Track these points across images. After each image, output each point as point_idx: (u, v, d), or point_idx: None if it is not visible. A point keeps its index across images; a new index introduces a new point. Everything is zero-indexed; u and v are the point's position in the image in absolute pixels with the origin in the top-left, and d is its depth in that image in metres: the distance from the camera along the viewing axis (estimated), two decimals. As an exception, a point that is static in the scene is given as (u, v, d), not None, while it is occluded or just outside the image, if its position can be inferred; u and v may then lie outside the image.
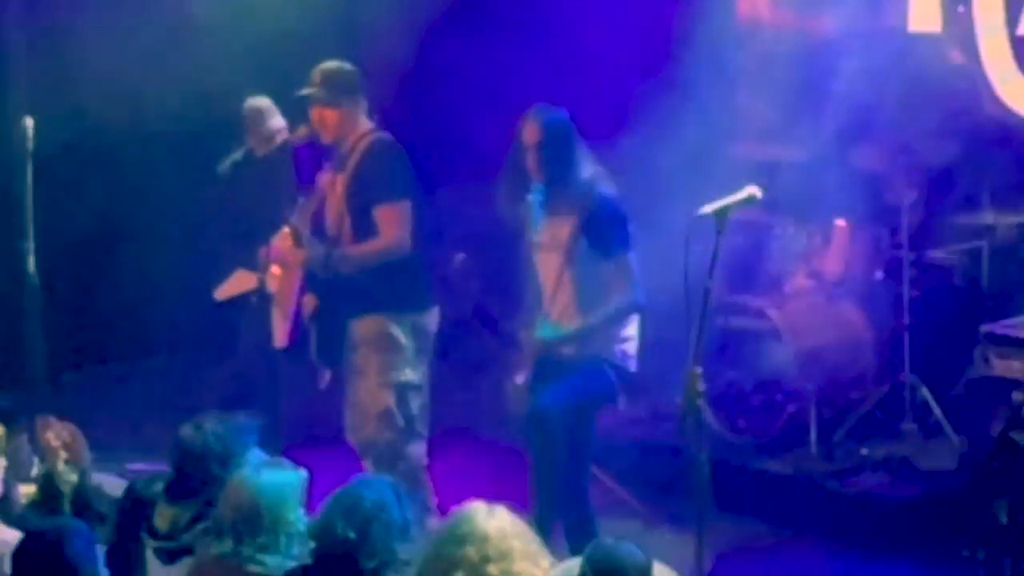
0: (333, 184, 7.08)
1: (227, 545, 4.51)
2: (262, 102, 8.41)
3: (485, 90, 9.63)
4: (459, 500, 4.15)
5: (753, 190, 5.07)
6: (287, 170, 7.91)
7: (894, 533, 7.55)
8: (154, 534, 5.03)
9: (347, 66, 7.09)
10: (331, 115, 6.90)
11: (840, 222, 8.59)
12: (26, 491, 5.77)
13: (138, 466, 6.77)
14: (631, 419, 8.46)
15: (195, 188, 9.34)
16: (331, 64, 7.12)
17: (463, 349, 8.87)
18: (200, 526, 4.83)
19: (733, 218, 5.28)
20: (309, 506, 4.72)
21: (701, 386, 4.87)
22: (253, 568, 4.47)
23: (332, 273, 6.98)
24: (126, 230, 10.30)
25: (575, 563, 4.22)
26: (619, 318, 6.58)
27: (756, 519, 7.72)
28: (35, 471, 5.91)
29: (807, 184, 8.58)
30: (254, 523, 4.51)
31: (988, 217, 8.21)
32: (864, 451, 8.10)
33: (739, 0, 10.27)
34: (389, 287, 6.92)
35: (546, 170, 6.49)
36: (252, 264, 7.64)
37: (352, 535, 4.33)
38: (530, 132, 6.51)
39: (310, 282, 7.06)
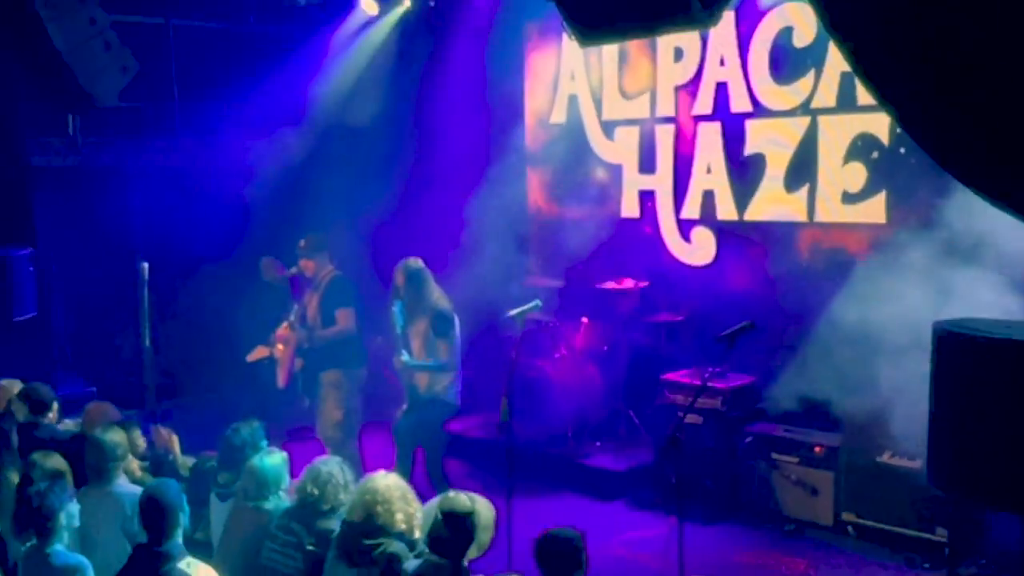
0: (312, 299, 9.97)
1: (249, 496, 6.61)
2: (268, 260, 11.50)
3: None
4: (373, 469, 6.39)
5: (537, 302, 8.50)
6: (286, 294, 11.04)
7: (615, 489, 10.37)
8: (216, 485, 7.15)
9: (319, 235, 10.04)
10: (310, 264, 9.95)
11: (584, 319, 11.30)
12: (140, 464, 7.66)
13: (207, 452, 7.94)
14: (473, 426, 11.42)
15: (239, 298, 11.85)
16: (311, 236, 10.04)
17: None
18: (237, 484, 6.89)
19: (528, 317, 8.39)
20: (293, 474, 6.74)
21: (508, 407, 7.90)
22: (261, 506, 6.55)
23: (312, 345, 9.96)
24: (207, 321, 12.87)
25: (435, 503, 5.85)
26: (441, 368, 9.19)
27: (540, 482, 10.31)
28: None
29: (566, 299, 11.64)
30: (261, 484, 6.60)
31: (663, 316, 11.01)
32: (597, 444, 11.02)
33: (529, 194, 12.96)
34: (341, 354, 9.87)
35: (407, 298, 9.37)
36: (266, 341, 10.69)
37: (316, 491, 6.25)
38: (399, 277, 9.42)
39: (299, 351, 10.06)
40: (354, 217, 12.62)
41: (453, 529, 5.54)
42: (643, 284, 11.33)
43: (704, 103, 11.25)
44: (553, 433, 11.00)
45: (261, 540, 6.35)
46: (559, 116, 12.73)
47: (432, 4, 13.12)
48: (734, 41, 10.86)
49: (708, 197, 11.28)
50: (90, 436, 7.04)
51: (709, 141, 11.22)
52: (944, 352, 4.91)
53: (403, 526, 5.92)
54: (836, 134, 10.17)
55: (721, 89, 11.06)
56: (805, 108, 10.37)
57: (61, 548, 5.95)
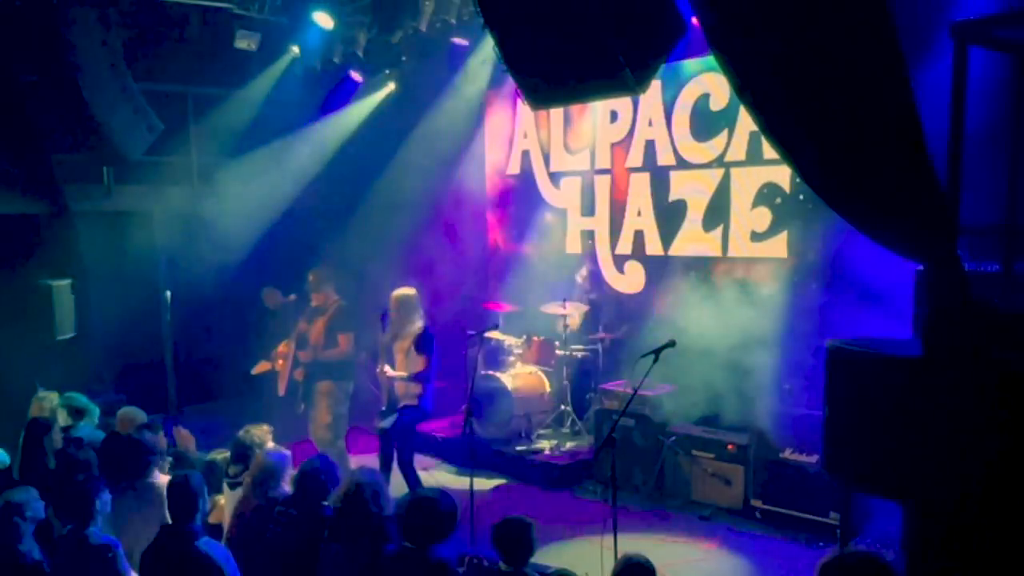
0: (318, 322, 9.78)
1: (257, 485, 6.48)
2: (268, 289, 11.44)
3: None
4: (358, 464, 7.23)
5: (496, 324, 9.17)
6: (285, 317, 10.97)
7: (560, 480, 10.25)
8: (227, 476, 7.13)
9: (327, 269, 9.92)
10: (320, 295, 9.79)
11: (536, 337, 11.43)
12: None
13: (218, 449, 7.87)
14: (441, 427, 11.24)
15: (245, 321, 12.01)
16: (320, 270, 9.91)
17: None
18: (245, 475, 6.75)
19: (489, 336, 9.38)
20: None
21: (470, 411, 8.11)
22: (266, 494, 6.38)
23: (315, 361, 9.75)
24: (219, 340, 12.95)
25: (406, 496, 5.89)
26: (417, 379, 9.01)
27: (499, 473, 10.44)
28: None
29: (520, 321, 11.64)
30: (268, 475, 6.50)
31: (601, 335, 11.06)
32: (547, 442, 10.90)
33: (488, 233, 12.92)
34: (334, 369, 9.72)
35: (397, 318, 9.19)
36: (267, 357, 10.56)
37: (309, 483, 6.20)
38: (393, 301, 9.25)
39: (304, 366, 9.85)
40: (344, 253, 12.46)
41: (419, 517, 5.51)
42: (584, 308, 11.33)
43: (635, 157, 11.33)
44: (509, 433, 10.92)
45: (265, 523, 6.32)
46: (514, 168, 12.80)
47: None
48: (660, 105, 10.96)
49: (639, 236, 11.36)
50: (133, 437, 7.03)
51: (639, 189, 11.30)
52: (835, 365, 4.93)
53: (377, 512, 5.88)
54: (745, 183, 10.23)
55: (650, 145, 11.15)
56: (720, 161, 10.44)
57: (96, 530, 5.91)
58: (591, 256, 11.87)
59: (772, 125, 4.63)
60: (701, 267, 10.67)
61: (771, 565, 8.14)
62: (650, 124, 11.11)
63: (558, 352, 11.31)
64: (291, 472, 6.59)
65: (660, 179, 11.07)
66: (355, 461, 9.89)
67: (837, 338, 5.08)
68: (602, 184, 11.75)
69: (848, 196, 4.60)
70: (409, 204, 13.07)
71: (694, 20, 4.88)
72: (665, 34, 5.29)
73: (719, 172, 10.46)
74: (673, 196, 10.94)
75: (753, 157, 10.09)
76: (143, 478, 6.71)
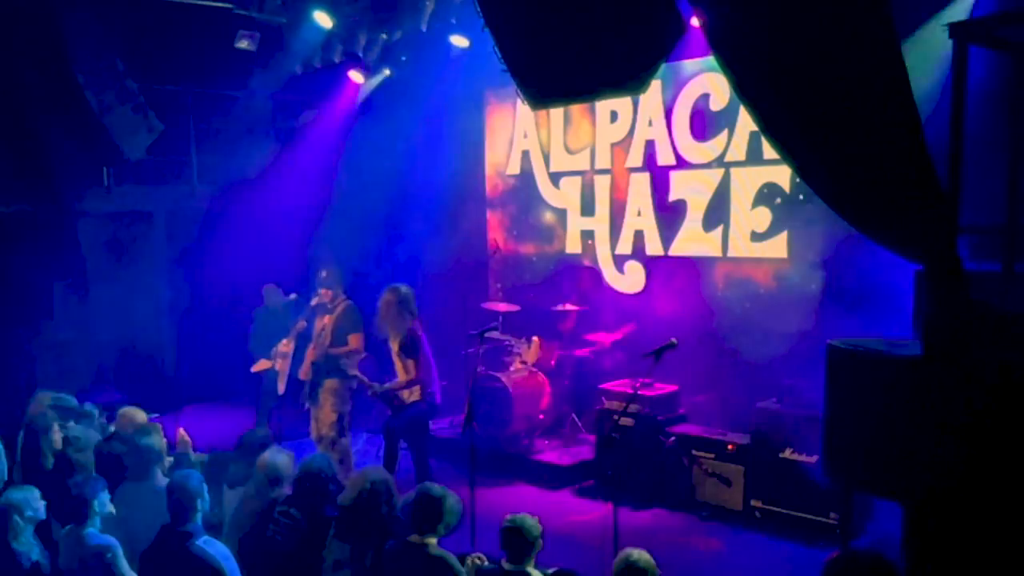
0: (326, 321, 9.76)
1: (259, 485, 6.57)
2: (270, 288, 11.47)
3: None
4: (362, 462, 7.52)
5: (496, 324, 8.72)
6: (285, 316, 10.96)
7: (560, 480, 10.23)
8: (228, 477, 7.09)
9: (335, 268, 9.84)
10: (328, 291, 9.73)
11: (535, 338, 11.18)
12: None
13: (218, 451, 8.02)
14: (442, 427, 11.18)
15: (245, 319, 11.69)
16: (330, 270, 9.83)
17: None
18: (246, 473, 6.87)
19: (488, 336, 8.50)
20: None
21: (471, 412, 7.96)
22: (267, 494, 6.45)
23: (323, 359, 9.69)
24: (219, 338, 12.77)
25: (412, 493, 5.87)
26: (410, 384, 9.10)
27: (499, 473, 10.29)
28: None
29: (520, 321, 11.53)
30: (272, 476, 6.56)
31: (601, 335, 10.89)
32: (547, 442, 10.94)
33: (488, 233, 12.87)
34: (341, 367, 9.64)
35: (388, 317, 9.13)
36: (268, 355, 10.68)
37: (309, 482, 6.29)
38: (384, 299, 9.22)
39: (313, 363, 9.81)
40: (343, 253, 12.34)
41: (426, 510, 5.58)
42: (585, 308, 11.33)
43: (635, 157, 11.30)
44: (509, 433, 10.90)
45: (265, 523, 6.34)
46: (514, 168, 12.77)
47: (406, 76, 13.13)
48: (660, 105, 10.94)
49: (639, 236, 11.35)
50: (133, 440, 6.99)
51: (639, 189, 11.28)
52: (835, 366, 4.94)
53: (388, 511, 5.95)
54: (745, 183, 10.22)
55: (650, 145, 11.12)
56: (720, 161, 10.43)
57: (94, 531, 5.93)
58: (590, 257, 11.88)
59: (772, 125, 4.64)
60: (701, 267, 10.65)
61: (771, 565, 8.13)
62: (650, 124, 11.09)
63: (558, 352, 11.27)
64: (292, 472, 6.59)
65: (660, 179, 11.05)
66: (360, 459, 10.00)
67: (837, 338, 5.09)
68: (602, 184, 11.73)
69: (848, 196, 4.62)
70: (409, 204, 13.06)
71: (694, 20, 4.89)
72: (665, 34, 5.30)
73: (719, 172, 10.45)
74: (673, 196, 10.92)
75: (753, 157, 10.08)
76: (146, 480, 6.71)
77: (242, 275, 12.35)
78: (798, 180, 9.09)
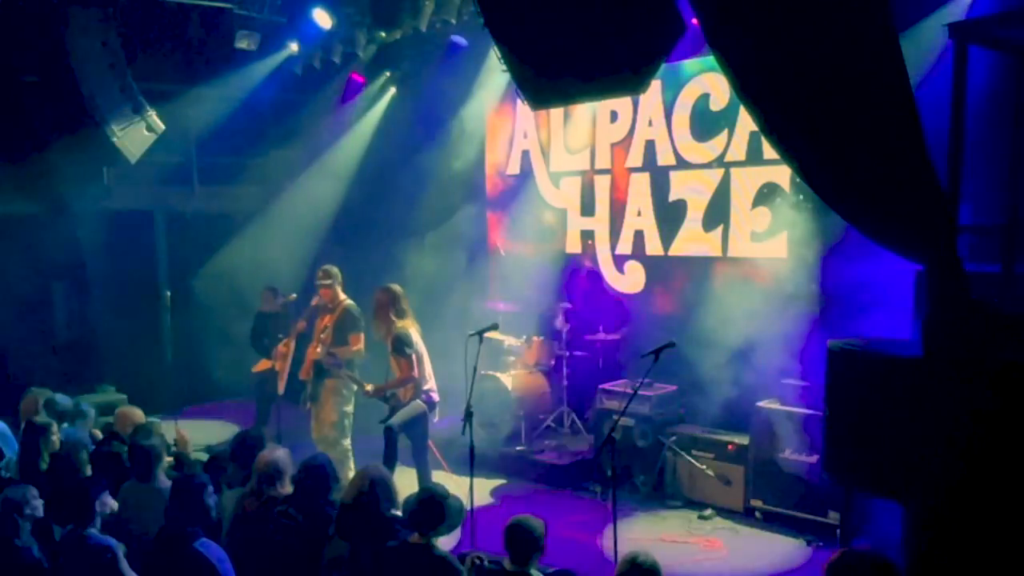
0: (327, 321, 9.70)
1: (258, 484, 6.38)
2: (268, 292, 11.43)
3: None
4: (363, 462, 6.96)
5: (495, 324, 8.49)
6: (284, 317, 11.09)
7: (560, 479, 10.24)
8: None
9: (334, 268, 9.77)
10: (328, 291, 9.68)
11: (536, 337, 11.33)
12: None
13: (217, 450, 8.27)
14: (441, 427, 10.34)
15: (244, 320, 11.72)
16: (328, 267, 9.76)
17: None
18: (245, 473, 6.73)
19: (488, 335, 8.31)
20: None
21: (472, 411, 7.91)
22: (265, 493, 6.33)
23: (323, 359, 9.59)
24: (219, 339, 12.75)
25: (414, 493, 5.91)
26: (403, 384, 9.10)
27: (499, 473, 10.45)
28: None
29: (519, 321, 11.64)
30: (271, 474, 6.39)
31: (600, 335, 10.87)
32: (547, 442, 10.92)
33: (488, 233, 12.89)
34: (329, 369, 9.59)
35: (377, 318, 9.21)
36: (268, 355, 10.70)
37: (309, 481, 6.24)
38: (375, 299, 9.26)
39: (314, 363, 9.73)
40: (343, 253, 12.45)
41: (429, 511, 5.54)
42: (584, 308, 11.30)
43: (635, 157, 11.30)
44: (509, 433, 10.92)
45: (265, 523, 6.28)
46: (514, 168, 12.77)
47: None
48: (660, 105, 10.94)
49: (639, 236, 11.35)
50: (134, 441, 6.98)
51: (639, 189, 11.28)
52: (836, 365, 4.94)
53: (385, 508, 5.91)
54: (745, 183, 10.22)
55: (649, 145, 11.13)
56: (720, 161, 10.43)
57: (94, 531, 5.90)
58: (591, 257, 11.86)
59: (772, 125, 4.64)
60: (701, 267, 10.65)
61: (771, 566, 8.12)
62: (650, 124, 11.09)
63: (558, 352, 11.27)
64: (292, 472, 6.53)
65: (660, 179, 11.05)
66: (361, 459, 9.61)
67: (837, 338, 5.09)
68: (602, 184, 11.72)
69: (848, 196, 4.61)
70: (409, 203, 13.03)
71: (694, 20, 4.88)
72: (665, 34, 5.30)
73: (719, 172, 10.45)
74: (673, 196, 10.92)
75: (753, 157, 10.08)
76: (148, 481, 6.69)
77: (242, 275, 12.34)
78: (798, 180, 9.07)
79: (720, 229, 10.49)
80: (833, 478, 5.50)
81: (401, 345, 9.07)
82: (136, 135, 10.57)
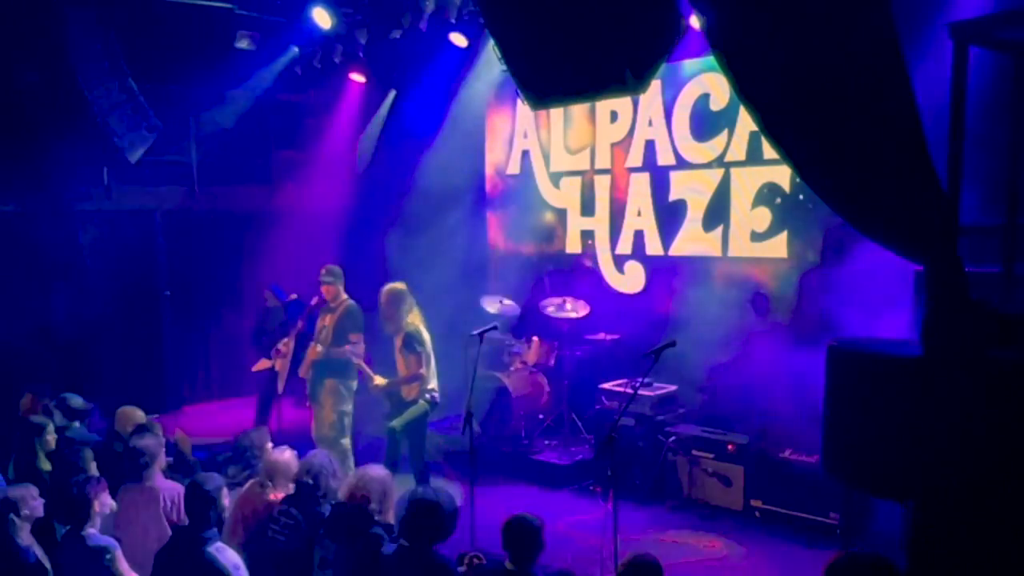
0: (327, 320, 9.71)
1: (261, 483, 6.66)
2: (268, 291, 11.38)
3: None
4: (363, 462, 7.07)
5: (495, 324, 8.51)
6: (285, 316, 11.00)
7: (560, 479, 10.25)
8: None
9: (337, 267, 9.76)
10: (330, 289, 9.66)
11: (535, 338, 11.28)
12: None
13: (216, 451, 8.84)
14: (442, 427, 11.19)
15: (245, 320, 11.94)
16: (331, 266, 9.76)
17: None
18: (245, 473, 7.17)
19: (488, 335, 8.28)
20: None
21: (472, 411, 7.87)
22: (269, 493, 6.57)
23: (323, 358, 9.63)
24: (218, 339, 13.06)
25: (406, 495, 5.78)
26: (411, 380, 9.10)
27: (499, 473, 10.30)
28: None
29: (520, 321, 11.57)
30: (272, 472, 6.65)
31: (601, 335, 10.92)
32: (546, 442, 10.94)
33: (489, 233, 13.03)
34: (340, 367, 9.65)
35: (386, 315, 9.18)
36: (267, 355, 10.70)
37: (310, 480, 6.33)
38: (382, 297, 9.21)
39: (313, 363, 9.74)
40: (346, 251, 12.46)
41: (421, 518, 5.51)
42: (584, 308, 11.21)
43: (635, 157, 11.33)
44: (509, 433, 10.93)
45: (265, 523, 6.33)
46: (514, 168, 12.80)
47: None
48: (660, 105, 10.98)
49: (639, 236, 11.38)
50: (131, 443, 6.95)
51: (639, 189, 11.31)
52: (835, 365, 4.93)
53: (376, 512, 5.94)
54: (746, 183, 10.25)
55: (649, 146, 11.16)
56: (720, 161, 10.46)
57: (94, 531, 5.91)
58: (591, 257, 11.87)
59: (772, 125, 4.63)
60: (701, 267, 10.68)
61: (771, 565, 8.13)
62: (650, 124, 11.12)
63: (558, 352, 11.27)
64: (293, 471, 6.57)
65: (660, 179, 11.06)
66: (361, 459, 9.67)
67: (837, 338, 5.08)
68: (602, 184, 11.74)
69: (848, 196, 4.61)
70: (409, 203, 13.00)
71: (694, 20, 4.88)
72: (665, 34, 5.29)
73: (719, 172, 10.47)
74: (673, 196, 10.94)
75: (753, 157, 10.11)
76: (140, 481, 6.67)
77: (242, 275, 12.36)
78: (798, 180, 9.12)
79: (720, 229, 10.52)
80: (833, 478, 5.48)
81: (413, 342, 9.09)
82: (135, 135, 10.51)
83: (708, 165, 10.58)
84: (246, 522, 6.46)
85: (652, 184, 11.17)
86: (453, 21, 10.77)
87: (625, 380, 10.06)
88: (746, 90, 4.56)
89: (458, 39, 11.63)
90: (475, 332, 8.32)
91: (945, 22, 5.46)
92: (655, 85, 10.54)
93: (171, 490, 6.60)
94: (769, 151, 9.58)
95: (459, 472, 9.86)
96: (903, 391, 4.47)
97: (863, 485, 5.59)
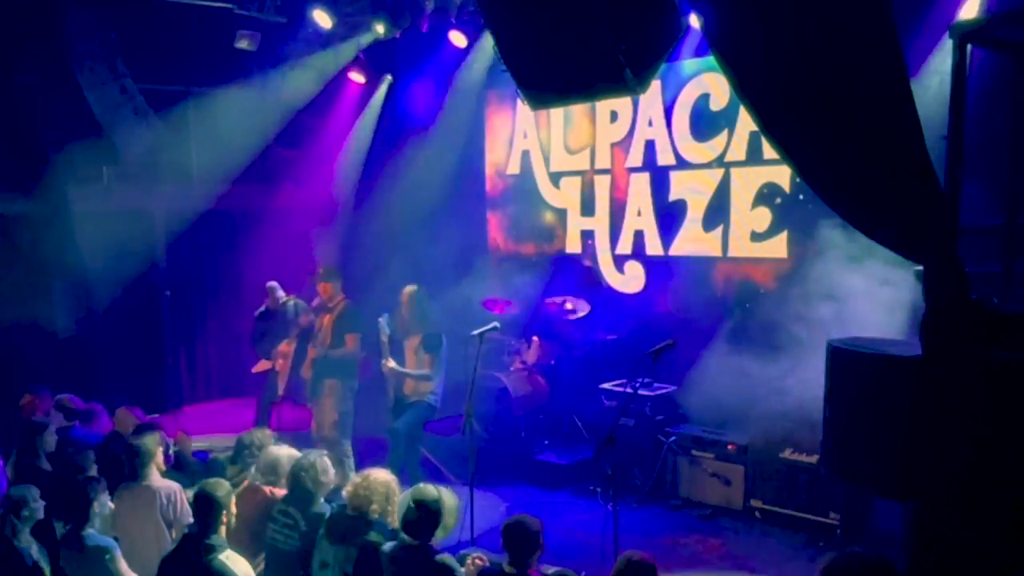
0: (325, 319, 9.80)
1: (262, 480, 6.75)
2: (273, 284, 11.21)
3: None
4: (365, 466, 6.67)
5: (496, 324, 8.55)
6: (283, 314, 10.94)
7: (560, 479, 10.27)
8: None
9: (334, 268, 9.94)
10: (327, 287, 9.75)
11: (535, 338, 11.29)
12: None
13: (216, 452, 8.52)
14: (443, 426, 10.60)
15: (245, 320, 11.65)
16: (328, 266, 9.91)
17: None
18: (245, 474, 7.12)
19: (488, 336, 8.41)
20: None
21: (472, 411, 8.13)
22: (267, 488, 6.68)
23: (322, 358, 9.71)
24: (219, 339, 13.06)
25: (407, 494, 5.87)
26: (424, 378, 9.34)
27: (502, 475, 10.28)
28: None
29: (520, 321, 11.50)
30: (271, 469, 6.77)
31: (600, 334, 10.94)
32: (546, 442, 10.91)
33: (489, 236, 12.94)
34: (339, 367, 9.71)
35: (409, 315, 9.43)
36: (268, 356, 10.73)
37: (305, 479, 6.33)
38: (404, 297, 9.49)
39: (313, 362, 9.86)
40: (342, 253, 12.46)
41: (422, 514, 5.54)
42: (584, 308, 11.23)
43: (635, 157, 11.30)
44: (509, 433, 10.90)
45: (264, 522, 6.35)
46: (514, 168, 12.75)
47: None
48: (660, 105, 10.94)
49: (639, 236, 11.34)
50: (128, 442, 6.96)
51: (639, 189, 11.28)
52: (836, 365, 4.93)
53: (377, 515, 5.95)
54: (745, 183, 10.23)
55: (649, 145, 11.12)
56: (720, 161, 10.44)
57: (93, 531, 5.92)
58: (590, 256, 11.85)
59: (772, 125, 4.63)
60: (701, 267, 10.68)
61: (771, 565, 8.12)
62: (650, 124, 11.09)
63: (558, 352, 11.27)
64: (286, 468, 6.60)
65: (660, 179, 11.05)
66: (362, 459, 9.81)
67: (839, 338, 5.09)
68: (602, 184, 11.72)
69: (848, 196, 4.61)
70: (408, 203, 12.99)
71: (694, 20, 4.89)
72: (665, 34, 5.31)
73: (719, 172, 10.45)
74: (673, 196, 10.92)
75: (753, 157, 10.09)
76: (137, 481, 6.66)
77: (242, 275, 12.32)
78: (798, 180, 9.12)
79: (720, 229, 10.49)
80: (833, 477, 5.49)
81: (434, 343, 9.28)
82: (136, 135, 10.58)
83: (708, 165, 10.55)
84: (247, 521, 6.41)
85: (652, 184, 11.15)
86: (453, 21, 10.78)
87: (625, 380, 10.00)
88: (746, 90, 4.56)
89: (458, 38, 11.62)
90: (475, 332, 8.33)
91: (945, 22, 5.48)
92: (655, 85, 10.50)
93: (167, 489, 6.59)
94: (769, 151, 9.57)
95: (459, 472, 9.87)
96: (903, 391, 4.48)
97: (863, 485, 5.61)
